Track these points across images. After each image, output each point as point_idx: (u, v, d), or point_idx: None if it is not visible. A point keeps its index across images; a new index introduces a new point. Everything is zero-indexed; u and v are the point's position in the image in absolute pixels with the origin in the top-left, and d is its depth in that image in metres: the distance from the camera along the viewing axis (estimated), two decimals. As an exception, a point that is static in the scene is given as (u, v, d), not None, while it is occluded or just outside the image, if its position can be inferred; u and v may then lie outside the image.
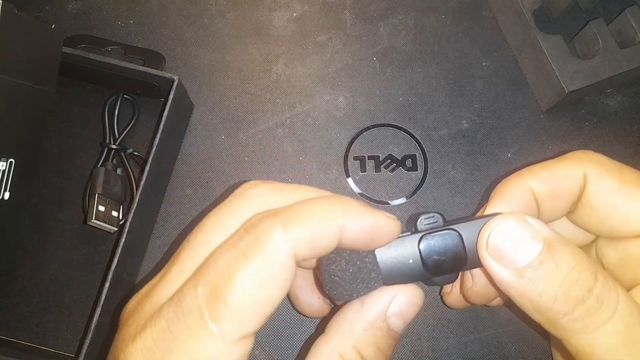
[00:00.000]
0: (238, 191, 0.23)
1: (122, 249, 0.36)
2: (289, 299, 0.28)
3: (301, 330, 0.40)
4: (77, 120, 0.44)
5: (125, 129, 0.43)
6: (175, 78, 0.40)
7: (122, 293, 0.38)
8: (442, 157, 0.44)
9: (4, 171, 0.36)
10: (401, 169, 0.44)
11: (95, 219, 0.39)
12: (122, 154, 0.43)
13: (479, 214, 0.27)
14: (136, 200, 0.37)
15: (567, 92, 0.42)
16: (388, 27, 0.48)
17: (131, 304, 0.22)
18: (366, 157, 0.44)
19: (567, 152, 0.26)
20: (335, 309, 0.24)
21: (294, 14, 0.48)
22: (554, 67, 0.42)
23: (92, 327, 0.35)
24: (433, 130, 0.45)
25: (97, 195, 0.40)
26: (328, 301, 0.28)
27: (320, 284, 0.23)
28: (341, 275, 0.22)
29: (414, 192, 0.43)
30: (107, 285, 0.35)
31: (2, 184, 0.36)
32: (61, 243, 0.42)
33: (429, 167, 0.44)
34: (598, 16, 0.45)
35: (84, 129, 0.44)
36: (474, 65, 0.46)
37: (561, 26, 0.47)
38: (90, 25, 0.47)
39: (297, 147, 0.44)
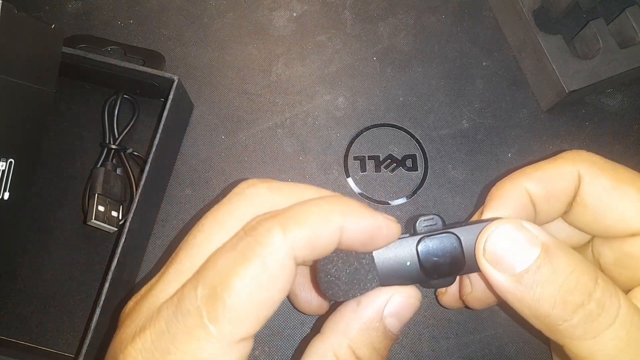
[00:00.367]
0: (236, 190, 0.23)
1: (121, 249, 0.36)
2: (288, 297, 0.28)
3: (301, 331, 0.40)
4: (77, 120, 0.44)
5: (125, 129, 0.43)
6: (175, 78, 0.40)
7: (122, 293, 0.38)
8: (442, 157, 0.44)
9: (4, 171, 0.36)
10: (401, 169, 0.44)
11: (95, 219, 0.39)
12: (122, 154, 0.43)
13: (475, 216, 0.27)
14: (136, 200, 0.37)
15: (567, 92, 0.42)
16: (388, 27, 0.47)
17: (130, 304, 0.22)
18: (366, 157, 0.44)
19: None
20: (334, 306, 0.24)
21: (294, 14, 0.48)
22: (554, 67, 0.42)
23: (92, 327, 0.35)
24: (433, 130, 0.44)
25: (96, 195, 0.40)
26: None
27: (317, 283, 0.23)
28: (337, 275, 0.22)
29: (414, 192, 0.43)
30: (106, 285, 0.35)
31: (2, 184, 0.36)
32: (61, 243, 0.42)
33: (429, 167, 0.44)
34: (598, 16, 0.45)
35: (84, 129, 0.44)
36: (474, 65, 0.46)
37: (561, 26, 0.47)
38: (90, 25, 0.47)
39: (297, 147, 0.44)
